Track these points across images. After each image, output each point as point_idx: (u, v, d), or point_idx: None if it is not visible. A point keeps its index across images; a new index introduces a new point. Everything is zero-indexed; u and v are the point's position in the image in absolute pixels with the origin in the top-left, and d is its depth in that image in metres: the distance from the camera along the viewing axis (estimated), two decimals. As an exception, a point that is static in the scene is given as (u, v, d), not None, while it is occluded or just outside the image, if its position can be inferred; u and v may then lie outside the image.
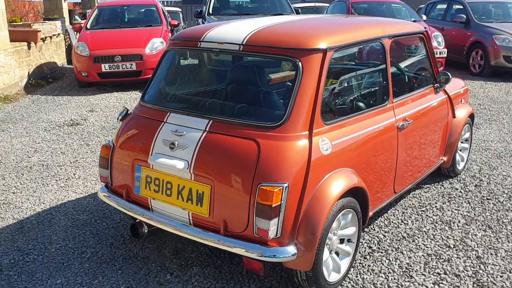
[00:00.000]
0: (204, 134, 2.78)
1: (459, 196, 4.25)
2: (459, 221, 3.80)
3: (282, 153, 2.62)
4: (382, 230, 3.66)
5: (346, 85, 3.28)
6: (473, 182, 4.56)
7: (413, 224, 3.76)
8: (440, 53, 9.31)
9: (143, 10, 10.51)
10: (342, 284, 3.02)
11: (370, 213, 3.23)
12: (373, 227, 3.70)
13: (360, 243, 3.46)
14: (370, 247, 3.43)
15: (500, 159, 5.18)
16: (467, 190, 4.38)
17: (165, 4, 20.96)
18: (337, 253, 3.01)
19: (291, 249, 2.60)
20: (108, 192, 3.24)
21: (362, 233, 3.58)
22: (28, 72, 9.85)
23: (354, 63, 3.69)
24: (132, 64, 8.65)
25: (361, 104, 3.34)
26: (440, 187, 4.44)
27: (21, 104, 8.05)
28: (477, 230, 3.67)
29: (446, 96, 4.19)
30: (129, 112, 3.30)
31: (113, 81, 8.91)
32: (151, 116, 3.08)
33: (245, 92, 3.09)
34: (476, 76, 10.17)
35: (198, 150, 2.75)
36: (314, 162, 2.67)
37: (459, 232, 3.64)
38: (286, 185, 2.55)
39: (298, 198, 2.61)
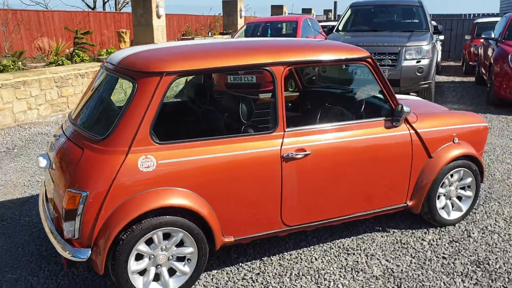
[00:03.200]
0: (65, 140, 3.22)
1: (412, 248, 3.67)
2: (372, 272, 3.35)
3: (92, 163, 2.89)
4: (279, 263, 3.49)
5: (203, 109, 3.28)
6: (456, 236, 3.84)
7: (321, 264, 3.47)
8: None
9: (283, 25, 11.10)
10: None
11: (231, 239, 3.18)
12: (272, 258, 3.55)
13: (241, 270, 3.40)
14: (245, 275, 3.35)
15: (537, 217, 4.17)
16: (433, 244, 3.74)
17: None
18: (173, 271, 3.11)
19: (84, 251, 2.85)
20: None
21: (262, 260, 3.50)
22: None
23: (229, 89, 3.58)
24: (252, 77, 9.32)
25: (248, 129, 3.30)
26: (407, 235, 3.87)
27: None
28: (383, 286, 3.20)
29: (412, 131, 3.67)
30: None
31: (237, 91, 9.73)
32: (66, 121, 3.65)
33: (103, 106, 3.41)
34: None
35: (56, 153, 3.21)
36: (124, 177, 2.85)
37: (356, 283, 3.24)
38: (85, 193, 2.81)
39: (98, 207, 2.84)
